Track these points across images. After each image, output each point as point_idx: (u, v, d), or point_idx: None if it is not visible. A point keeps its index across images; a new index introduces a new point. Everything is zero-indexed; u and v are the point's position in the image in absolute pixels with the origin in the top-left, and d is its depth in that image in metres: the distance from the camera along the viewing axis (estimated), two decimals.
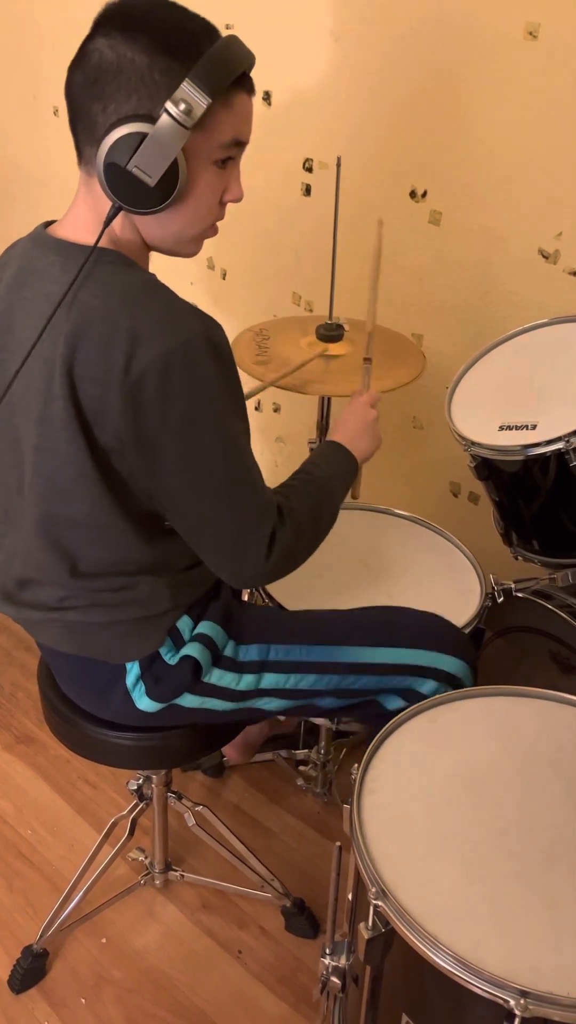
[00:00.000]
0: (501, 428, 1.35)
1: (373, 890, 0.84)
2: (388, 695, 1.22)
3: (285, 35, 1.79)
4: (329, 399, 1.75)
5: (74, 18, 2.19)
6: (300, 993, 1.44)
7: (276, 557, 1.04)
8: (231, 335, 1.02)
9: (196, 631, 1.16)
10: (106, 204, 0.94)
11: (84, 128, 0.94)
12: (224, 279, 2.19)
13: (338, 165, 1.51)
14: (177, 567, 1.13)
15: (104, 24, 0.91)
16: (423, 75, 1.63)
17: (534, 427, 1.32)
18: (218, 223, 1.04)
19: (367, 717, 1.26)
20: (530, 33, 1.47)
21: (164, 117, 0.88)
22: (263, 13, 1.81)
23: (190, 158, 0.93)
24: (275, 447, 2.31)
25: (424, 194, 1.71)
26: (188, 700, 1.17)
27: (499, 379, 1.45)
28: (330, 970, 1.02)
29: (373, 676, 1.20)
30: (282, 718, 1.44)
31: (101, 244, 0.95)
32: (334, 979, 1.02)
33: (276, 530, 1.03)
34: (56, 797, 1.78)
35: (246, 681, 1.18)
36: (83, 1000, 1.42)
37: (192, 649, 1.14)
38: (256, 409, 2.28)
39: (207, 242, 1.06)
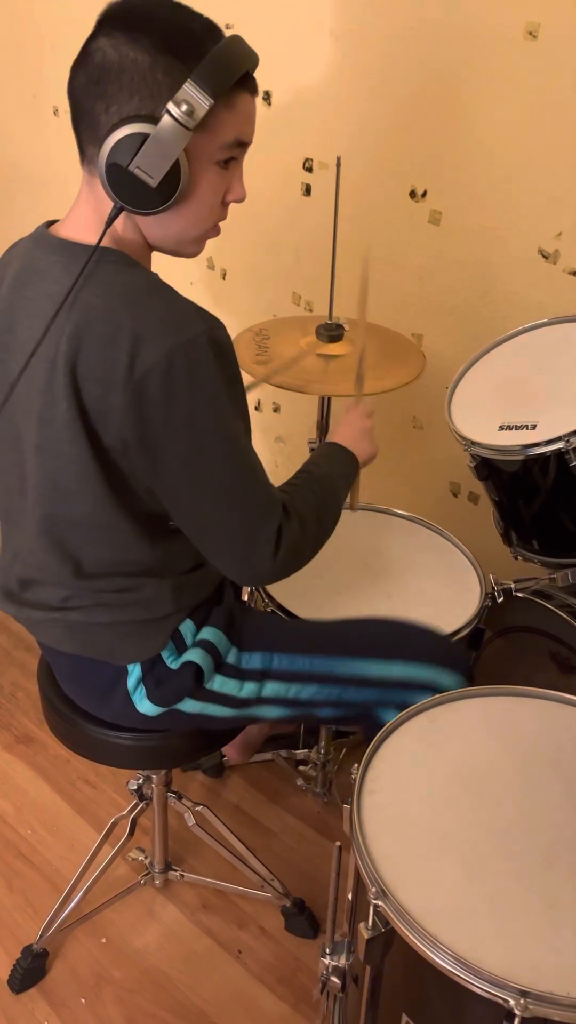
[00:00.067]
0: (501, 428, 1.35)
1: (373, 890, 0.84)
2: (386, 708, 1.22)
3: (285, 35, 1.79)
4: (329, 399, 1.75)
5: (74, 18, 2.19)
6: (300, 993, 1.44)
7: (284, 554, 1.04)
8: (231, 335, 1.02)
9: (199, 636, 1.16)
10: (108, 204, 0.94)
11: (86, 128, 0.94)
12: (224, 279, 2.19)
13: (338, 165, 1.51)
14: (180, 569, 1.13)
15: (107, 24, 0.91)
16: (423, 75, 1.63)
17: (534, 427, 1.32)
18: (219, 223, 1.04)
19: (363, 728, 1.26)
20: (530, 33, 1.47)
21: (166, 118, 0.88)
22: (263, 13, 1.81)
23: (192, 158, 0.93)
24: (275, 447, 2.31)
25: (424, 194, 1.71)
26: (189, 705, 1.17)
27: (499, 379, 1.45)
28: (330, 970, 1.02)
29: (374, 689, 1.20)
30: None
31: (103, 244, 0.95)
32: (334, 979, 1.02)
33: (283, 526, 1.03)
34: (56, 797, 1.78)
35: (248, 689, 1.18)
36: (83, 1000, 1.42)
37: (194, 655, 1.14)
38: (256, 409, 2.28)
39: (208, 242, 1.06)
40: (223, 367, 0.95)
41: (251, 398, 0.98)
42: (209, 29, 0.92)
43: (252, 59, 0.94)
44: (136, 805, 1.50)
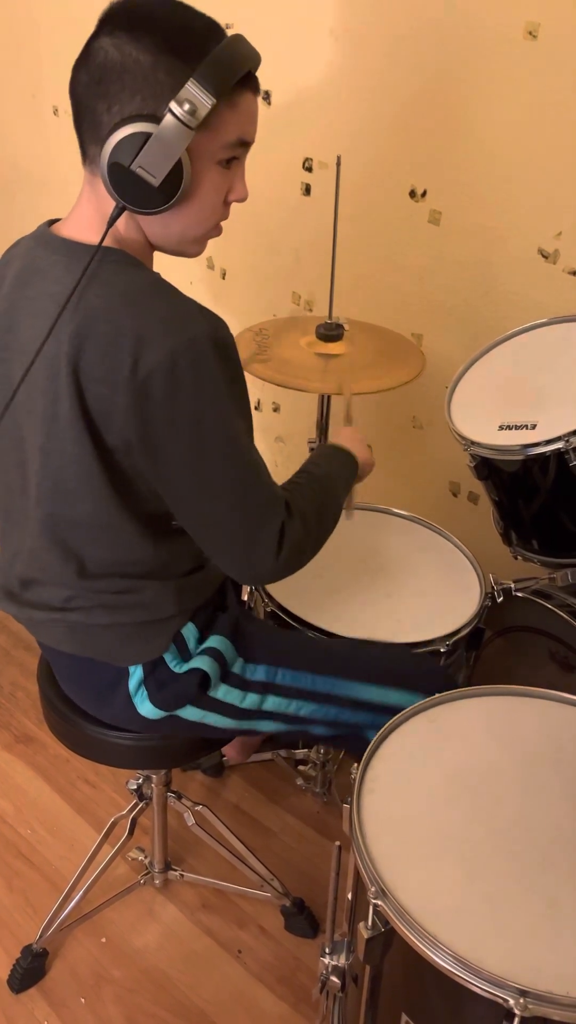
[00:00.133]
0: (501, 428, 1.35)
1: (372, 889, 0.84)
2: (374, 731, 1.22)
3: (285, 35, 1.79)
4: (329, 398, 1.75)
5: (74, 18, 2.19)
6: (300, 993, 1.44)
7: (286, 553, 1.03)
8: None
9: (206, 644, 1.16)
10: (110, 204, 0.94)
11: (88, 127, 0.94)
12: (224, 279, 2.20)
13: (338, 165, 1.51)
14: (182, 570, 1.13)
15: (109, 23, 0.91)
16: (423, 75, 1.63)
17: (534, 427, 1.32)
18: (221, 223, 1.04)
19: (351, 748, 1.26)
20: (530, 33, 1.47)
21: (168, 117, 0.88)
22: (263, 13, 1.81)
23: (194, 158, 0.93)
24: (275, 447, 2.31)
25: (424, 194, 1.71)
26: (190, 712, 1.16)
27: (499, 379, 1.45)
28: (330, 969, 1.02)
29: (369, 713, 1.21)
30: None
31: (105, 243, 0.95)
32: (334, 979, 1.02)
33: (285, 525, 1.03)
34: (56, 797, 1.78)
35: (250, 700, 1.18)
36: (83, 1000, 1.42)
37: (202, 662, 1.14)
38: (256, 409, 2.29)
39: (208, 242, 1.05)
40: (226, 367, 0.95)
41: (250, 394, 0.98)
42: (211, 28, 0.92)
43: (254, 58, 0.94)
44: (136, 805, 1.50)
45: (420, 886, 0.85)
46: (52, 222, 1.04)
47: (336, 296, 1.62)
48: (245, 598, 1.49)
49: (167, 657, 1.13)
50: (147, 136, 0.89)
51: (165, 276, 1.00)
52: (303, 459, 1.22)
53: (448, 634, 1.34)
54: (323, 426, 1.77)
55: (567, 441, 1.24)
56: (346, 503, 1.22)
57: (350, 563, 1.50)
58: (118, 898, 1.56)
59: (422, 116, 1.66)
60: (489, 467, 1.40)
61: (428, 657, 1.32)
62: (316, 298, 2.01)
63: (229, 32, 0.93)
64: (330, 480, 1.18)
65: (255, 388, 2.25)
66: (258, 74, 0.96)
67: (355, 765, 0.98)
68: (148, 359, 0.90)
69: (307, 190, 1.91)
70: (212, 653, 1.15)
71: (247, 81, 0.93)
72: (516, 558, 1.49)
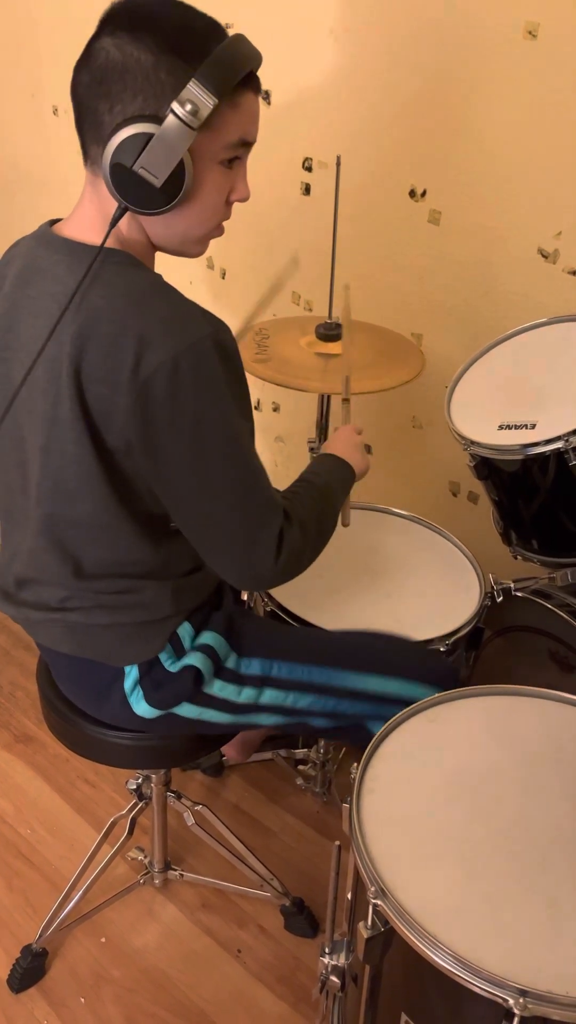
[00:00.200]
0: (500, 427, 1.35)
1: (372, 889, 0.84)
2: (376, 721, 1.22)
3: (285, 34, 1.79)
4: (329, 398, 1.75)
5: (74, 18, 2.19)
6: (299, 992, 1.44)
7: (285, 558, 1.03)
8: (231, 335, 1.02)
9: (198, 641, 1.16)
10: (112, 204, 0.94)
11: (90, 128, 0.93)
12: (224, 279, 2.19)
13: (338, 164, 1.51)
14: (180, 571, 1.13)
15: (110, 23, 0.91)
16: (423, 74, 1.63)
17: (533, 426, 1.32)
18: (223, 223, 1.04)
19: (352, 740, 1.27)
20: (530, 33, 1.47)
21: (170, 117, 0.88)
22: (263, 12, 1.81)
23: (196, 158, 0.93)
24: (275, 447, 2.31)
25: (424, 194, 1.71)
26: (186, 710, 1.16)
27: (498, 379, 1.45)
28: (329, 969, 1.02)
29: (369, 704, 1.21)
30: None
31: (107, 244, 0.95)
32: (333, 978, 1.02)
33: (284, 531, 1.03)
34: (55, 796, 1.78)
35: (246, 694, 1.18)
36: (82, 999, 1.42)
37: (194, 659, 1.14)
38: (256, 409, 2.29)
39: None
40: (228, 370, 0.95)
41: (252, 397, 0.98)
42: (213, 28, 0.92)
43: (256, 58, 0.94)
44: (135, 804, 1.50)
45: (420, 886, 0.85)
46: (53, 222, 1.04)
47: (335, 296, 1.62)
48: (244, 597, 1.49)
49: (162, 656, 1.13)
50: (149, 136, 0.89)
51: (165, 276, 1.00)
52: (303, 459, 1.22)
53: (448, 634, 1.34)
54: (323, 426, 1.77)
55: (567, 441, 1.24)
56: (343, 512, 1.22)
57: (350, 563, 1.50)
58: (118, 898, 1.56)
59: (422, 116, 1.66)
60: (489, 467, 1.40)
61: (428, 648, 1.31)
62: (316, 298, 2.01)
63: (229, 32, 0.93)
64: (329, 490, 1.18)
65: (255, 388, 2.25)
66: (258, 74, 0.96)
67: (355, 765, 0.98)
68: (150, 360, 0.90)
69: (307, 190, 1.91)
70: (204, 649, 1.15)
71: (249, 81, 0.93)
72: (516, 558, 1.49)
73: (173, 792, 1.48)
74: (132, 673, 1.14)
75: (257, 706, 1.19)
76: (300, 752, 1.80)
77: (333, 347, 1.61)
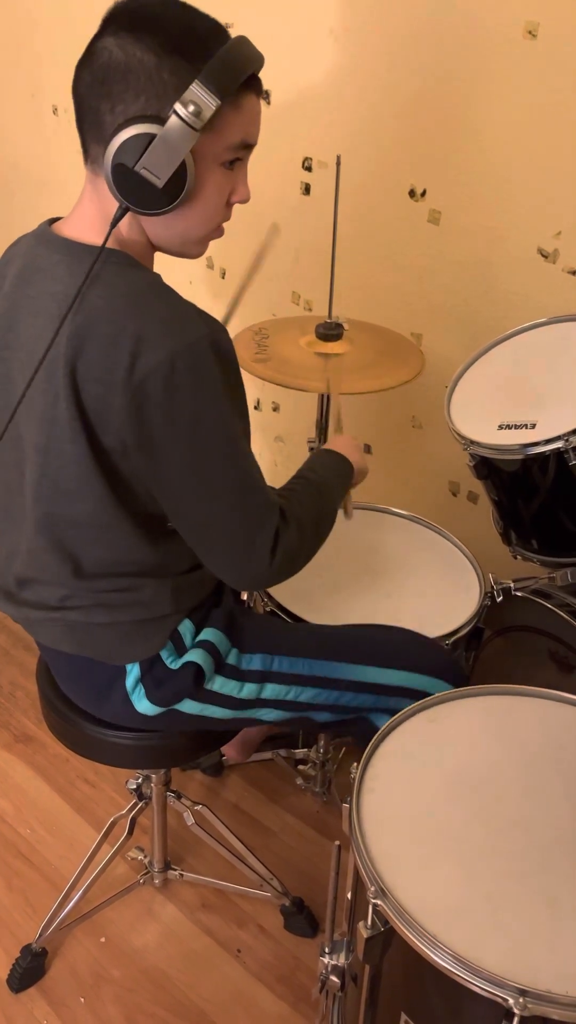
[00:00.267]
0: (500, 427, 1.36)
1: (372, 889, 0.84)
2: (379, 714, 1.22)
3: (285, 34, 1.79)
4: (328, 397, 1.75)
5: (74, 18, 2.19)
6: (299, 992, 1.44)
7: (280, 558, 1.04)
8: (231, 334, 1.02)
9: (199, 637, 1.16)
10: (113, 204, 0.94)
11: (91, 128, 0.93)
12: (224, 278, 2.19)
13: (338, 164, 1.51)
14: (180, 569, 1.13)
15: (112, 23, 0.91)
16: (423, 74, 1.63)
17: (533, 426, 1.32)
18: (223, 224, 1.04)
19: (356, 733, 1.27)
20: (530, 33, 1.47)
21: (173, 118, 0.88)
22: (263, 13, 1.81)
23: (198, 159, 0.93)
24: (275, 447, 2.31)
25: (424, 193, 1.71)
26: (188, 706, 1.17)
27: (498, 378, 1.45)
28: (329, 969, 1.02)
29: (371, 695, 1.21)
30: None
31: (107, 244, 0.95)
32: (333, 978, 1.02)
33: (280, 531, 1.03)
34: (55, 796, 1.78)
35: (248, 690, 1.18)
36: (82, 999, 1.42)
37: (195, 655, 1.14)
38: (255, 408, 2.29)
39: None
40: (224, 371, 0.95)
41: (249, 394, 0.98)
42: (216, 29, 0.92)
43: (258, 60, 0.94)
44: (135, 804, 1.50)
45: (420, 886, 0.85)
46: (53, 220, 1.04)
47: (335, 295, 1.62)
48: (244, 596, 1.49)
49: (163, 654, 1.14)
50: (151, 137, 0.88)
51: (164, 275, 1.00)
52: (303, 459, 1.22)
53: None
54: (323, 426, 1.77)
55: (567, 440, 1.24)
56: (344, 505, 1.22)
57: (350, 563, 1.50)
58: (117, 898, 1.56)
59: (422, 116, 1.66)
60: (489, 467, 1.40)
61: (428, 639, 1.30)
62: (315, 297, 2.01)
63: (230, 32, 0.93)
64: (326, 486, 1.18)
65: (255, 388, 2.25)
66: (259, 74, 0.96)
67: (355, 765, 0.98)
68: (147, 360, 0.90)
69: (307, 190, 1.91)
70: (205, 646, 1.15)
71: (251, 83, 0.93)
72: (516, 558, 1.49)
73: (173, 792, 1.48)
74: (133, 671, 1.14)
75: (259, 701, 1.19)
76: (300, 752, 1.80)
77: (333, 347, 1.61)
